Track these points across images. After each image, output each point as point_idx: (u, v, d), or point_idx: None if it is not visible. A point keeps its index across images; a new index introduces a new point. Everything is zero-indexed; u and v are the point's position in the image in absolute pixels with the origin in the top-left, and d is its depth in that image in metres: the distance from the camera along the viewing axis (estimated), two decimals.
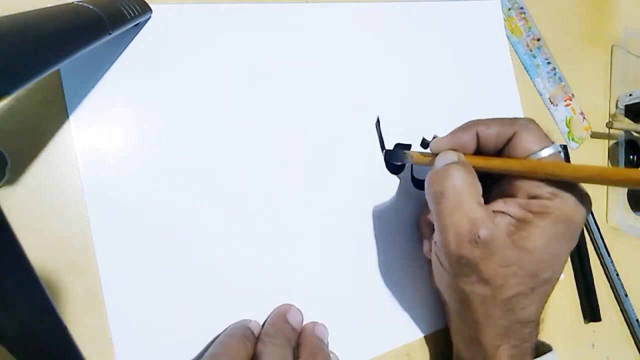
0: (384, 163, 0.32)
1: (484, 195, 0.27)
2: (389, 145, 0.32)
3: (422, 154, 0.30)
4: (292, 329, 0.25)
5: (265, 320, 0.26)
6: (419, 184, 0.33)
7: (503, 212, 0.24)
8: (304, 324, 0.27)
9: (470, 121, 0.27)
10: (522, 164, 0.25)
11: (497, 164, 0.26)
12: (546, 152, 0.24)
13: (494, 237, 0.23)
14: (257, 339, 0.24)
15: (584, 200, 0.24)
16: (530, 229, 0.23)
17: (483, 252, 0.23)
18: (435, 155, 0.27)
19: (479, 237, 0.23)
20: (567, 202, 0.24)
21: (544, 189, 0.24)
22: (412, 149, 0.33)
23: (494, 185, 0.27)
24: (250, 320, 0.25)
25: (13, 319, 0.14)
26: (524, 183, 0.25)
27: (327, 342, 0.27)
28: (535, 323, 0.25)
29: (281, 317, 0.26)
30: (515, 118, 0.26)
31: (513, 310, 0.24)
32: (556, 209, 0.23)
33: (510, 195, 0.25)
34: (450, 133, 0.27)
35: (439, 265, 0.25)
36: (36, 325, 0.14)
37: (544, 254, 0.23)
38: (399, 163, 0.31)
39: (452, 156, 0.26)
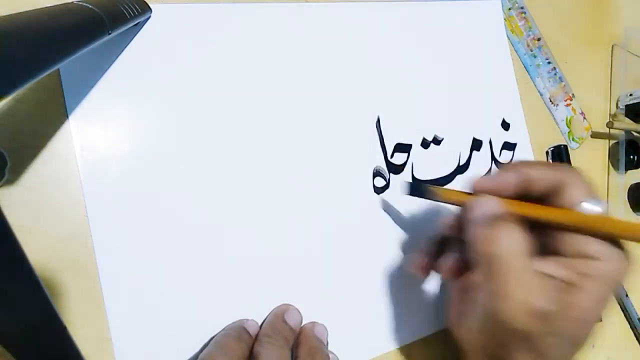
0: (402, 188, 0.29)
1: None
2: (389, 145, 0.32)
3: (453, 191, 0.27)
4: (290, 329, 0.25)
5: (264, 321, 0.26)
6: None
7: (550, 275, 0.23)
8: (303, 324, 0.27)
9: (516, 162, 0.25)
10: (583, 217, 0.22)
11: (543, 213, 0.23)
12: (594, 207, 0.22)
13: (553, 310, 0.21)
14: (255, 339, 0.24)
15: (629, 258, 0.23)
16: (580, 294, 0.22)
17: (543, 326, 0.21)
18: (470, 194, 0.25)
19: (538, 309, 0.21)
20: (615, 264, 0.22)
21: (594, 247, 0.22)
22: (413, 149, 0.33)
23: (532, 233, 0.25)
24: (247, 320, 0.25)
25: (13, 319, 0.14)
26: (572, 239, 0.22)
27: (327, 342, 0.27)
28: None
29: (279, 317, 0.25)
30: (563, 165, 0.24)
31: None
32: (606, 271, 0.22)
33: (555, 250, 0.23)
34: (495, 174, 0.25)
35: (479, 327, 0.23)
36: (36, 325, 0.14)
37: (591, 319, 0.22)
38: (421, 198, 0.28)
39: (494, 205, 0.23)
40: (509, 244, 0.22)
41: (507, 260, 0.22)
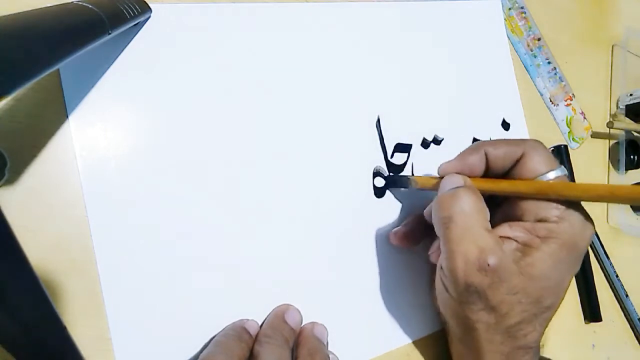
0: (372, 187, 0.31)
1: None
2: (389, 145, 0.32)
3: (427, 177, 0.29)
4: (290, 329, 0.25)
5: (264, 321, 0.26)
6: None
7: (509, 238, 0.24)
8: (303, 324, 0.27)
9: (478, 142, 0.27)
10: (533, 185, 0.24)
11: (505, 186, 0.25)
12: (553, 175, 0.24)
13: (503, 264, 0.22)
14: (255, 339, 0.24)
15: (588, 223, 0.24)
16: (536, 254, 0.23)
17: (491, 280, 0.22)
18: (441, 178, 0.27)
19: (488, 265, 0.22)
20: (573, 225, 0.24)
21: (551, 212, 0.24)
22: (413, 149, 0.33)
23: (498, 208, 0.27)
24: (248, 320, 0.25)
25: (13, 319, 0.14)
26: (530, 205, 0.24)
27: (327, 342, 0.27)
28: (536, 349, 0.25)
29: (279, 317, 0.25)
30: (522, 139, 0.26)
31: (515, 336, 0.24)
32: (563, 233, 0.23)
33: (516, 218, 0.25)
34: (458, 155, 0.27)
35: (443, 290, 0.25)
36: (36, 325, 0.14)
37: (549, 279, 0.23)
38: (404, 189, 0.30)
39: (459, 180, 0.25)
40: (462, 206, 0.24)
41: (459, 221, 0.23)
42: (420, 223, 0.30)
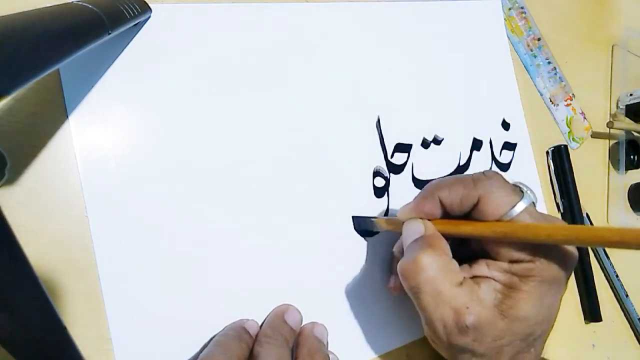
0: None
1: (462, 250, 0.26)
2: (389, 145, 0.32)
3: (388, 220, 0.28)
4: (290, 330, 0.25)
5: (264, 321, 0.26)
6: (419, 184, 0.33)
7: (487, 277, 0.24)
8: (303, 324, 0.27)
9: (431, 185, 0.26)
10: (493, 230, 0.23)
11: (467, 229, 0.24)
12: (518, 209, 0.23)
13: (482, 319, 0.22)
14: (255, 339, 0.24)
15: (568, 256, 0.23)
16: (517, 295, 0.23)
17: (474, 336, 0.22)
18: (402, 222, 0.26)
19: (466, 325, 0.22)
20: (550, 262, 0.23)
21: (523, 253, 0.23)
22: (413, 149, 0.33)
23: (473, 252, 0.26)
24: (248, 320, 0.25)
25: (13, 319, 0.14)
26: (501, 248, 0.24)
27: (327, 342, 0.27)
28: None
29: (279, 317, 0.25)
30: (476, 177, 0.25)
31: None
32: (541, 270, 0.23)
33: (490, 254, 0.24)
34: (414, 200, 0.26)
35: (432, 343, 0.25)
36: (36, 325, 0.14)
37: (535, 316, 0.23)
38: (368, 230, 0.30)
39: (419, 227, 0.25)
40: (427, 272, 0.23)
41: (428, 288, 0.23)
42: None
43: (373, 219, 0.29)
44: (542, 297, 0.23)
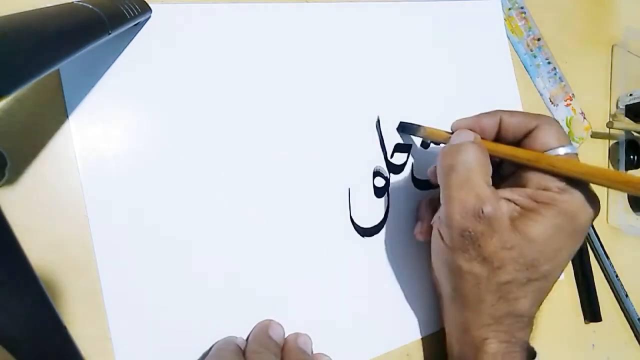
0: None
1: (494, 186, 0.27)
2: (389, 145, 0.32)
3: (438, 130, 0.30)
4: (276, 344, 0.25)
5: (248, 336, 0.26)
6: (419, 184, 0.33)
7: (509, 199, 0.25)
8: (296, 331, 0.27)
9: (496, 110, 0.28)
10: (531, 153, 0.25)
11: (507, 150, 0.26)
12: (562, 151, 0.25)
13: (497, 215, 0.23)
14: (244, 355, 0.24)
15: (592, 201, 0.24)
16: (533, 216, 0.24)
17: (485, 227, 0.23)
18: (452, 133, 0.28)
19: (482, 212, 0.23)
20: (574, 198, 0.24)
21: (554, 183, 0.24)
22: (413, 149, 0.33)
23: (504, 182, 0.27)
24: (237, 337, 0.25)
25: (13, 319, 0.14)
26: (534, 175, 0.25)
27: (311, 351, 0.27)
28: (528, 319, 0.25)
29: (263, 332, 0.25)
30: (539, 114, 0.27)
31: (506, 298, 0.24)
32: (563, 202, 0.24)
33: (519, 183, 0.26)
34: (474, 115, 0.28)
35: (439, 240, 0.26)
36: (36, 325, 0.14)
37: (545, 243, 0.23)
38: (410, 134, 0.32)
39: (469, 135, 0.26)
40: (466, 156, 0.24)
41: (461, 170, 0.24)
42: (433, 209, 0.30)
43: (420, 125, 0.31)
44: (555, 228, 0.24)
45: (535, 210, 0.24)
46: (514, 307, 0.24)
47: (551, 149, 0.25)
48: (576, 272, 0.40)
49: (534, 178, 0.25)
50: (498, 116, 0.27)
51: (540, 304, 0.25)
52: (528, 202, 0.24)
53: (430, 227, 0.29)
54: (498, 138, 0.27)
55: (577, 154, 0.25)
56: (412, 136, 0.33)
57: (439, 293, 0.29)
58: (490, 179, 0.25)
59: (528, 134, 0.26)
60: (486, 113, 0.28)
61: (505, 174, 0.28)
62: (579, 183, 0.24)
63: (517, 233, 0.23)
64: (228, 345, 0.24)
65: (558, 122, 0.27)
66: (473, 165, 0.24)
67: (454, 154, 0.25)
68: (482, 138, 0.27)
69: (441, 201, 0.25)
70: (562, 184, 0.24)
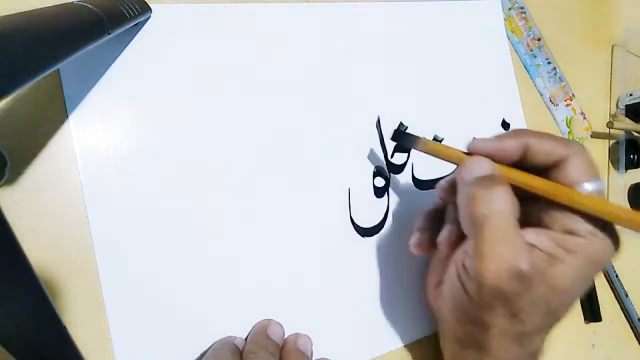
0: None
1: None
2: (389, 145, 0.32)
3: (443, 146, 0.27)
4: (274, 344, 0.25)
5: (247, 337, 0.26)
6: (420, 184, 0.33)
7: (533, 245, 0.23)
8: (292, 333, 0.27)
9: (521, 129, 0.25)
10: (549, 183, 0.23)
11: (523, 179, 0.23)
12: (589, 187, 0.23)
13: (533, 272, 0.21)
14: (241, 356, 0.24)
15: (616, 245, 0.23)
16: (560, 266, 0.22)
17: (522, 287, 0.21)
18: (465, 154, 0.25)
19: (521, 271, 0.21)
20: (601, 243, 0.23)
21: (582, 226, 0.22)
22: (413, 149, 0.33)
23: (526, 204, 0.24)
24: (236, 337, 0.25)
25: (13, 319, 0.14)
26: (562, 215, 0.23)
27: (311, 352, 0.26)
28: (537, 354, 0.24)
29: (262, 333, 0.25)
30: (568, 140, 0.24)
31: (522, 344, 0.23)
32: (591, 250, 0.22)
33: (542, 223, 0.24)
34: (496, 136, 0.24)
35: (461, 290, 0.23)
36: (36, 325, 0.14)
37: (571, 294, 0.23)
38: (406, 146, 0.28)
39: (488, 166, 0.23)
40: (498, 206, 0.22)
41: (494, 221, 0.22)
42: (432, 221, 0.28)
43: (418, 136, 0.27)
44: (582, 278, 0.22)
45: (562, 259, 0.22)
46: (528, 349, 0.23)
47: (580, 183, 0.23)
48: None
49: (560, 218, 0.23)
50: (525, 140, 0.24)
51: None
52: (555, 249, 0.22)
53: (430, 242, 0.27)
54: (520, 163, 0.24)
55: (603, 192, 0.23)
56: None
57: (438, 319, 0.28)
58: (518, 223, 0.22)
59: (556, 164, 0.23)
60: (511, 134, 0.24)
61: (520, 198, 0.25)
62: (606, 225, 0.22)
63: (546, 286, 0.22)
64: (225, 345, 0.24)
65: (588, 151, 0.24)
66: (507, 216, 0.22)
67: (486, 201, 0.22)
68: (499, 162, 0.24)
69: (471, 253, 0.23)
70: (590, 227, 0.22)
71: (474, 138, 0.25)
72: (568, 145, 0.24)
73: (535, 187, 0.23)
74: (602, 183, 0.23)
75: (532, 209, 0.24)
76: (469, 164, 0.24)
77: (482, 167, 0.24)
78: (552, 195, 0.23)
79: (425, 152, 0.27)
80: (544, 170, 0.24)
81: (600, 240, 0.22)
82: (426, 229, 0.28)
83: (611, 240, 0.23)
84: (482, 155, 0.24)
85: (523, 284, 0.21)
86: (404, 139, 0.27)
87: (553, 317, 0.23)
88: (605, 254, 0.23)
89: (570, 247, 0.22)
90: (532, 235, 0.23)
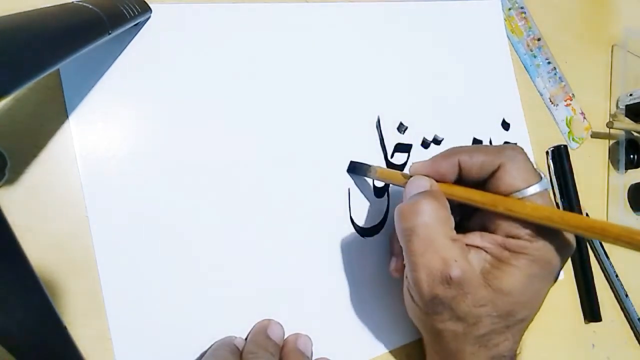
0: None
1: (463, 223, 0.26)
2: (389, 145, 0.32)
3: (393, 171, 0.28)
4: (274, 344, 0.25)
5: (247, 337, 0.26)
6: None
7: (478, 247, 0.24)
8: (291, 333, 0.27)
9: (453, 148, 0.26)
10: (487, 196, 0.24)
11: (476, 197, 0.24)
12: (532, 190, 0.23)
13: (467, 276, 0.22)
14: (241, 356, 0.24)
15: (565, 244, 0.23)
16: (505, 268, 0.23)
17: (456, 291, 0.22)
18: (408, 177, 0.26)
19: (451, 277, 0.22)
20: (546, 245, 0.23)
21: (523, 230, 0.23)
22: (413, 149, 0.33)
23: (475, 213, 0.26)
24: (235, 337, 0.25)
25: (13, 319, 0.14)
26: (503, 221, 0.24)
27: (311, 353, 0.26)
28: (510, 357, 0.24)
29: (262, 333, 0.25)
30: (501, 147, 0.25)
31: (486, 346, 0.23)
32: (535, 250, 0.23)
33: (489, 229, 0.24)
34: (431, 159, 0.26)
35: (410, 300, 0.25)
36: (36, 325, 0.14)
37: (520, 294, 0.23)
38: (362, 176, 0.30)
39: (424, 183, 0.25)
40: (424, 217, 0.23)
41: (421, 232, 0.23)
42: None
43: (370, 166, 0.29)
44: (529, 278, 0.23)
45: (506, 261, 0.23)
46: (495, 351, 0.23)
47: (519, 191, 0.23)
48: (576, 272, 0.40)
49: (503, 224, 0.23)
50: (456, 158, 0.25)
51: (520, 340, 0.25)
52: (499, 251, 0.23)
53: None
54: (461, 179, 0.25)
55: (547, 190, 0.24)
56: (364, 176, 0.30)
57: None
58: (454, 232, 0.23)
59: (493, 174, 0.24)
60: (443, 155, 0.25)
61: (471, 210, 0.26)
62: (549, 228, 0.23)
63: (490, 289, 0.22)
64: (225, 345, 0.24)
65: (525, 154, 0.25)
66: (433, 225, 0.22)
67: (411, 215, 0.23)
68: (440, 181, 0.25)
69: (406, 265, 0.24)
70: (530, 231, 0.23)
71: (412, 163, 0.26)
72: (500, 154, 0.24)
73: (474, 200, 0.24)
74: (544, 182, 0.24)
75: (478, 216, 0.26)
76: (409, 184, 0.25)
77: (418, 184, 0.25)
78: (490, 206, 0.24)
79: (377, 179, 0.29)
80: (484, 182, 0.25)
81: (544, 241, 0.23)
82: (401, 252, 0.28)
83: (557, 241, 0.23)
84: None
85: (457, 289, 0.22)
86: (358, 169, 0.30)
87: (510, 319, 0.23)
88: (552, 253, 0.23)
89: (514, 249, 0.23)
90: (477, 238, 0.24)
